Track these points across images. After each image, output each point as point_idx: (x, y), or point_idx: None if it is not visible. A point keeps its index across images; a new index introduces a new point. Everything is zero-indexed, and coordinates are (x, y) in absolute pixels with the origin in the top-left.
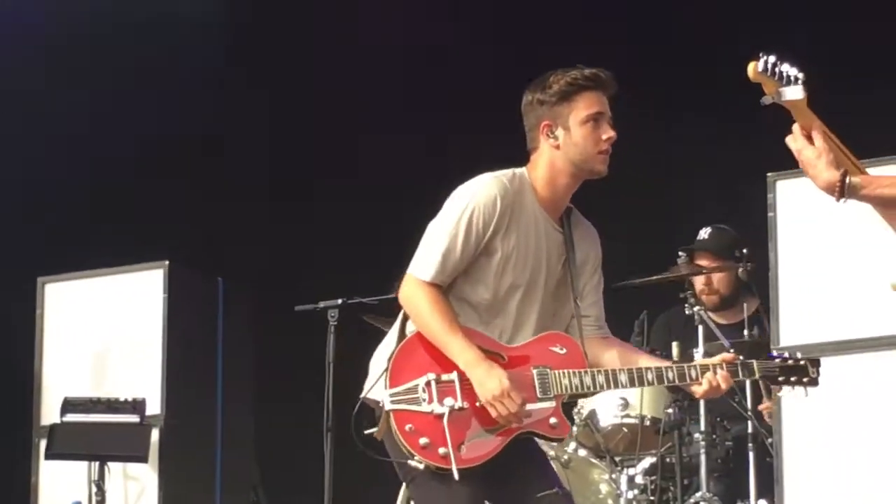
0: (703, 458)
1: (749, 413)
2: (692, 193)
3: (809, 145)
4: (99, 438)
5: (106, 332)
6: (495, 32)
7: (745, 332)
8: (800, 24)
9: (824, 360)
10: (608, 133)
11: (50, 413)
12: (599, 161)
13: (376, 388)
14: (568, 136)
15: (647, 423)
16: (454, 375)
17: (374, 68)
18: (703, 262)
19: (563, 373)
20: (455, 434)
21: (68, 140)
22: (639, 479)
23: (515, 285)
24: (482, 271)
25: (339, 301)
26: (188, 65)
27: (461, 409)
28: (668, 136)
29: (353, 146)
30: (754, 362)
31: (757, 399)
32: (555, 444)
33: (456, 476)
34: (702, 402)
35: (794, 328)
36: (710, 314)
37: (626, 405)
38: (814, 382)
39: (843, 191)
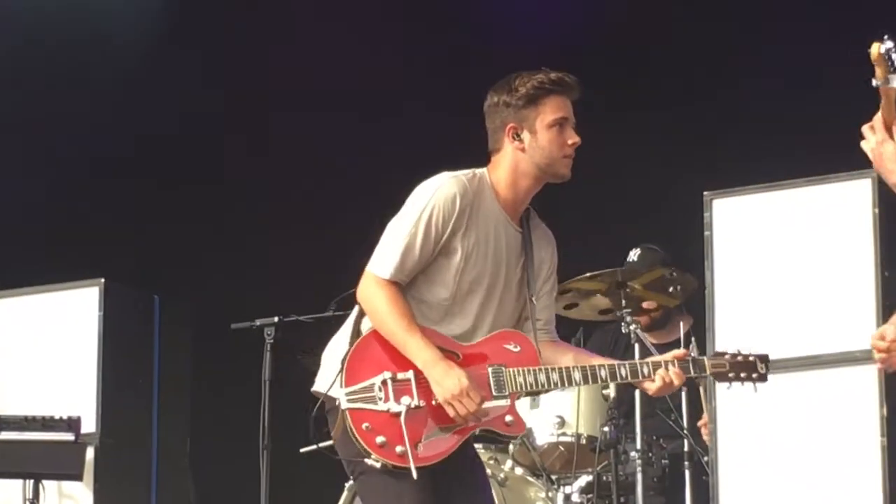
0: (639, 476)
1: (685, 431)
2: (626, 208)
3: (890, 140)
4: (33, 456)
5: (41, 350)
6: None
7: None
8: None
9: None
10: (573, 138)
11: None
12: (564, 165)
13: (329, 385)
14: (534, 140)
15: (584, 441)
16: (410, 374)
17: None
18: (633, 284)
19: (518, 370)
20: (412, 432)
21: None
22: (575, 498)
23: (475, 285)
24: (441, 271)
25: (276, 319)
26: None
27: (418, 407)
28: (606, 147)
29: (296, 172)
30: (705, 359)
31: (693, 417)
32: (492, 461)
33: (414, 475)
34: (637, 421)
35: (729, 347)
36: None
37: (562, 423)
38: (762, 378)
39: None
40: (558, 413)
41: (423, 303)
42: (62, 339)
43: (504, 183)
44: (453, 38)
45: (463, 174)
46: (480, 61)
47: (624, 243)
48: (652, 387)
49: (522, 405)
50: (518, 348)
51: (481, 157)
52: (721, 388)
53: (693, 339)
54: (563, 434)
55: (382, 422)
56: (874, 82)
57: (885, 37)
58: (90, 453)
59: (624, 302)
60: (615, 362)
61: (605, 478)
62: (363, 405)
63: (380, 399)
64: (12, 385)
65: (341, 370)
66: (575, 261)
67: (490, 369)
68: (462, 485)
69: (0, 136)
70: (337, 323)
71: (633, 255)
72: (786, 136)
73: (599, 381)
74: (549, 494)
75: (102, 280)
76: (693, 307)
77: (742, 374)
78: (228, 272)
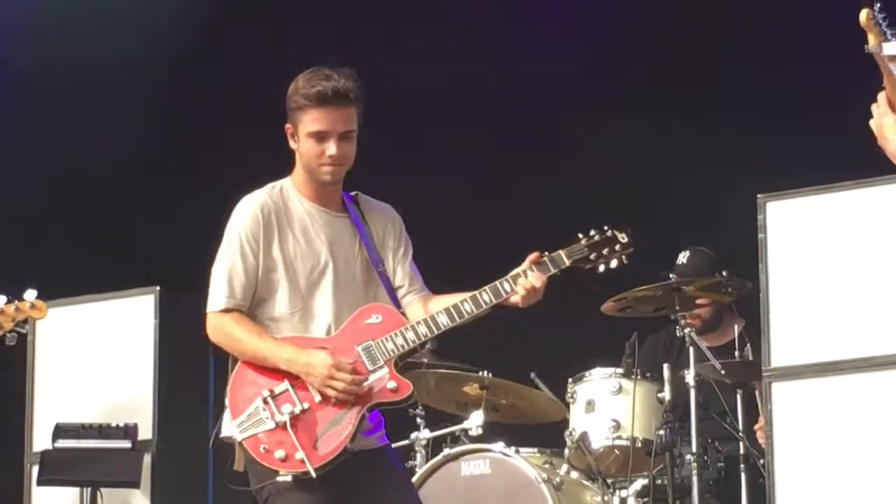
0: (694, 479)
1: (741, 434)
2: (676, 210)
3: (892, 112)
4: (91, 464)
5: (98, 358)
6: None
7: (736, 353)
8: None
9: (816, 382)
10: (331, 151)
11: (42, 439)
12: (323, 172)
13: (226, 426)
14: (300, 145)
15: (639, 444)
16: (286, 384)
17: None
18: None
19: (386, 338)
20: (305, 435)
21: (59, 165)
22: (631, 502)
23: (315, 281)
24: (277, 285)
25: None
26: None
27: (303, 410)
28: (654, 150)
29: None
30: (561, 251)
31: (749, 419)
32: (547, 465)
33: (313, 474)
34: (693, 424)
35: (785, 349)
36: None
37: (617, 427)
38: (628, 247)
39: None
40: (613, 417)
41: (279, 320)
42: (118, 347)
43: (301, 181)
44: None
45: (262, 189)
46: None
47: (677, 246)
48: (517, 298)
49: (577, 410)
50: (380, 318)
51: None
52: (777, 390)
53: (748, 341)
54: (619, 437)
55: (276, 438)
56: (866, 48)
57: (876, 3)
58: (147, 460)
59: (677, 305)
60: (476, 291)
61: (660, 481)
62: (254, 430)
63: (266, 418)
64: (70, 393)
65: (226, 406)
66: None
67: (359, 348)
68: (376, 485)
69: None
70: None
71: (683, 257)
72: (840, 137)
73: (466, 315)
74: (605, 498)
75: (158, 288)
76: (746, 310)
77: (605, 252)
78: None
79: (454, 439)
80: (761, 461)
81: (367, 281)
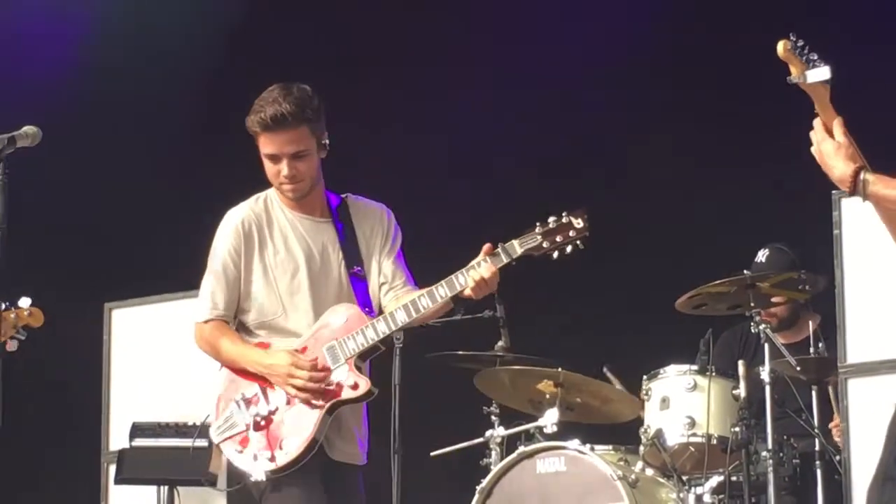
0: (770, 476)
1: (816, 430)
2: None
3: (829, 138)
4: (168, 463)
5: (173, 357)
6: None
7: (811, 349)
8: None
9: (892, 378)
10: (284, 171)
11: (118, 438)
12: (284, 190)
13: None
14: (264, 165)
15: (714, 441)
16: (256, 387)
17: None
18: (761, 285)
19: (348, 337)
20: (272, 436)
21: (131, 165)
22: (707, 499)
23: (295, 285)
24: (259, 292)
25: None
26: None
27: (271, 412)
28: (731, 149)
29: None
30: (514, 240)
31: (824, 416)
32: (622, 463)
33: (280, 465)
34: (768, 420)
35: (861, 345)
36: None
37: (692, 424)
38: (583, 231)
39: (855, 184)
40: (688, 414)
41: (263, 325)
42: (194, 346)
43: None
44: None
45: (247, 201)
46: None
47: (754, 243)
48: (470, 290)
49: (652, 407)
50: (345, 318)
51: None
52: (853, 387)
53: (822, 337)
54: (694, 434)
55: (247, 440)
56: (789, 80)
57: (792, 35)
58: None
59: (752, 303)
60: (434, 286)
61: (735, 478)
62: (228, 433)
63: (239, 421)
64: (145, 392)
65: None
66: (704, 260)
67: (323, 349)
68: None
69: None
70: (466, 326)
71: (762, 255)
72: None
73: (423, 309)
74: (681, 495)
75: None
76: (822, 306)
77: (558, 239)
78: None
79: (529, 437)
80: (837, 457)
81: (345, 279)
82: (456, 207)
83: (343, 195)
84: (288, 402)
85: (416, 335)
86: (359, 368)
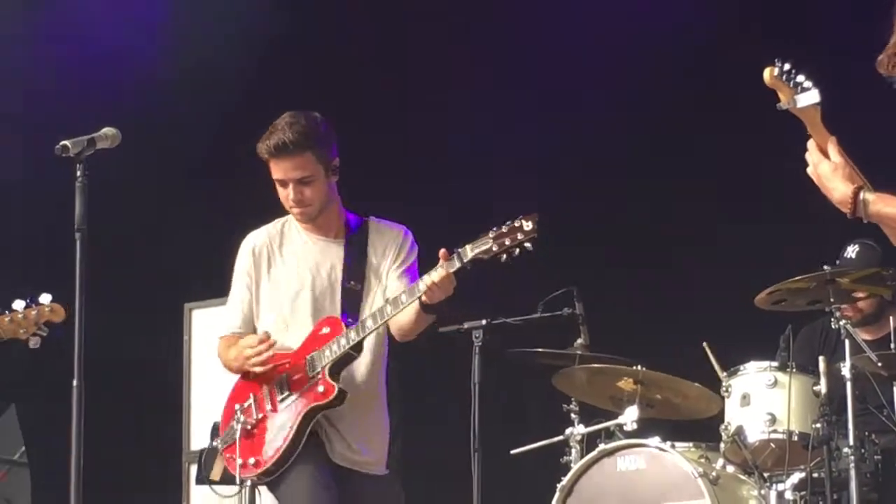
0: (852, 472)
1: None
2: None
3: (826, 159)
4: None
5: None
6: None
7: (892, 345)
8: None
9: None
10: (290, 196)
11: (199, 438)
12: (294, 213)
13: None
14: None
15: (795, 437)
16: (251, 398)
17: None
18: (841, 280)
19: (326, 346)
20: (257, 442)
21: (211, 167)
22: (788, 495)
23: (298, 299)
24: (268, 306)
25: (484, 322)
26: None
27: (258, 420)
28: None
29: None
30: (468, 246)
31: None
32: (703, 460)
33: (261, 470)
34: (849, 417)
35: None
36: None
37: (773, 420)
38: (531, 234)
39: (855, 205)
40: (769, 410)
41: (271, 336)
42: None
43: None
44: None
45: (266, 226)
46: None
47: (835, 239)
48: (426, 295)
49: (733, 404)
50: (328, 329)
51: None
52: None
53: None
54: (775, 431)
55: (240, 447)
56: (779, 106)
57: (777, 61)
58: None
59: (832, 298)
60: (399, 294)
61: (817, 474)
62: (228, 441)
63: (236, 430)
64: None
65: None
66: (784, 256)
67: (306, 359)
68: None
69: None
70: (545, 325)
71: (851, 251)
72: None
73: (388, 315)
74: (762, 492)
75: None
76: None
77: (507, 242)
78: None
79: (609, 435)
80: None
81: (349, 294)
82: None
83: (366, 217)
84: (271, 410)
85: (496, 335)
86: (335, 374)
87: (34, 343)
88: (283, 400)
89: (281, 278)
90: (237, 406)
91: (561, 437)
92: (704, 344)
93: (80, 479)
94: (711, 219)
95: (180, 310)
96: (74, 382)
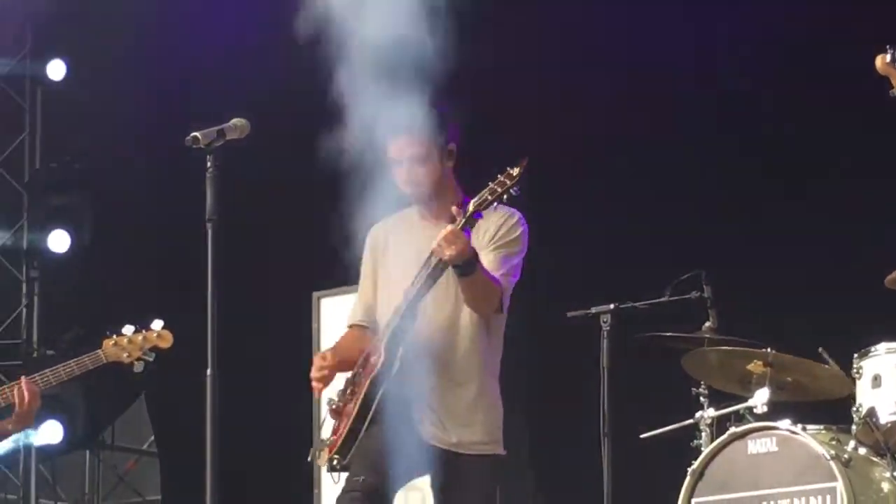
0: None
1: None
2: None
3: None
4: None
5: None
6: None
7: None
8: None
9: None
10: (401, 175)
11: (329, 426)
12: (409, 195)
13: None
14: None
15: None
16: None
17: None
18: None
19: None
20: (341, 425)
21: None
22: None
23: (398, 289)
24: (382, 291)
25: (612, 306)
26: None
27: (338, 406)
28: None
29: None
30: (469, 204)
31: None
32: (835, 442)
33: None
34: None
35: None
36: None
37: None
38: (515, 178)
39: None
40: None
41: (383, 319)
42: None
43: None
44: None
45: (394, 214)
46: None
47: None
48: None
49: (864, 386)
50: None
51: None
52: None
53: None
54: None
55: (332, 430)
56: (892, 93)
57: (889, 48)
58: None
59: None
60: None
61: None
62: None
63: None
64: None
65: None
66: None
67: (381, 343)
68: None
69: None
70: (673, 308)
71: None
72: None
73: (418, 284)
74: (895, 474)
75: None
76: None
77: (499, 189)
78: (562, 260)
79: (738, 418)
80: None
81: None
82: None
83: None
84: (348, 396)
85: (624, 318)
86: (390, 347)
87: (138, 367)
88: (357, 380)
89: (392, 268)
90: (336, 392)
91: (691, 421)
92: (820, 349)
93: (215, 469)
94: (841, 202)
95: (309, 299)
96: (208, 371)
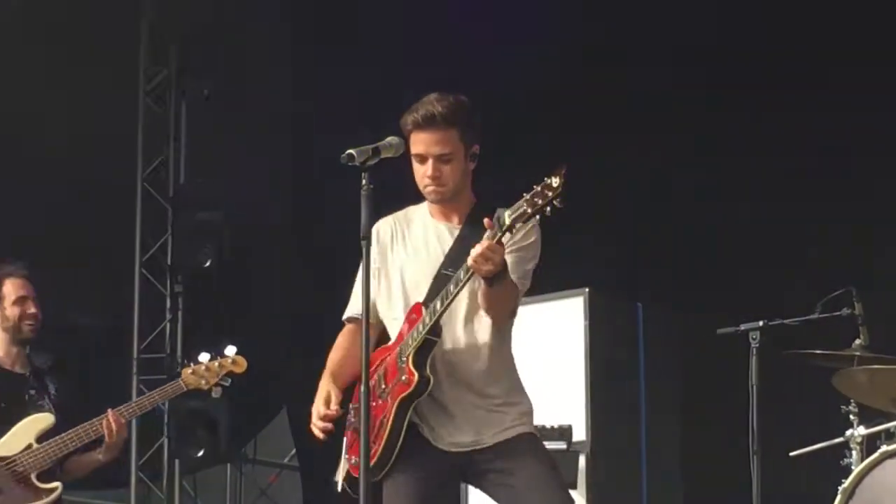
0: None
1: None
2: None
3: None
4: None
5: (530, 360)
6: None
7: None
8: None
9: None
10: (428, 171)
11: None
12: (426, 192)
13: None
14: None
15: None
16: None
17: None
18: None
19: (410, 334)
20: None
21: None
22: None
23: (414, 286)
24: (390, 291)
25: (761, 323)
26: None
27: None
28: None
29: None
30: (505, 213)
31: None
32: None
33: (339, 478)
34: None
35: None
36: None
37: None
38: (557, 190)
39: None
40: None
41: (394, 318)
42: (551, 349)
43: None
44: None
45: (396, 213)
46: None
47: None
48: (471, 266)
49: None
50: (415, 316)
51: None
52: None
53: None
54: None
55: (353, 446)
56: None
57: None
58: (581, 461)
59: None
60: (458, 272)
61: None
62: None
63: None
64: None
65: None
66: None
67: (397, 350)
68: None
69: None
70: (823, 325)
71: None
72: None
73: (451, 295)
74: None
75: (587, 290)
76: None
77: (539, 202)
78: (711, 276)
79: (889, 436)
80: None
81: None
82: None
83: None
84: (375, 405)
85: (774, 335)
86: (420, 362)
87: (216, 393)
88: (381, 395)
89: (401, 263)
90: (350, 406)
91: (841, 439)
92: None
93: (367, 484)
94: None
95: None
96: (361, 388)
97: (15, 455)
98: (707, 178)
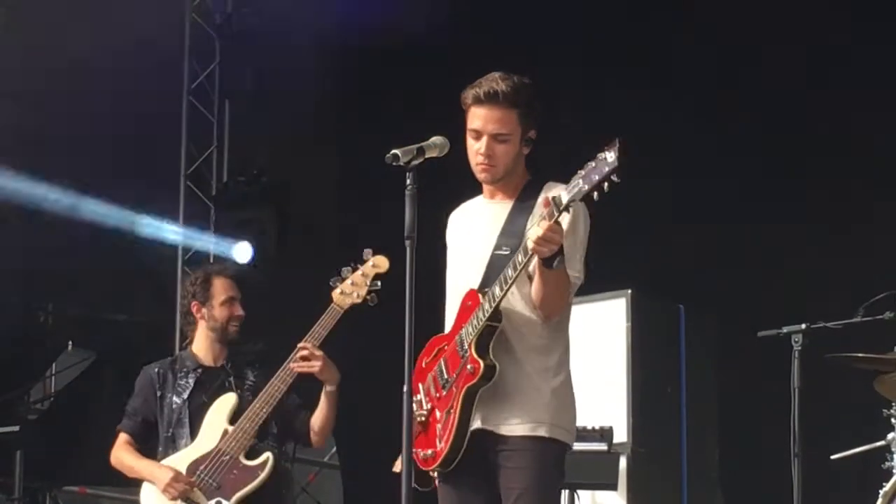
0: None
1: None
2: None
3: None
4: (568, 466)
5: (572, 361)
6: None
7: None
8: None
9: None
10: (482, 149)
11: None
12: (478, 171)
13: None
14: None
15: None
16: (420, 390)
17: None
18: None
19: (468, 321)
20: (430, 434)
21: None
22: None
23: (468, 269)
24: (451, 275)
25: (803, 326)
26: None
27: (428, 410)
28: None
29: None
30: (562, 192)
31: None
32: None
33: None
34: None
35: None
36: None
37: None
38: (612, 164)
39: None
40: None
41: (452, 304)
42: (592, 350)
43: None
44: None
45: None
46: None
47: None
48: (531, 251)
49: None
50: (470, 303)
51: None
52: None
53: None
54: None
55: (419, 440)
56: None
57: None
58: (622, 463)
59: None
60: (517, 255)
61: None
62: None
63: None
64: None
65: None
66: None
67: (456, 339)
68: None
69: None
70: (865, 329)
71: None
72: None
73: (510, 279)
74: None
75: (629, 291)
76: None
77: (595, 178)
78: (753, 279)
79: None
80: None
81: (485, 264)
82: None
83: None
84: (438, 397)
85: (815, 338)
86: (482, 349)
87: (372, 300)
88: (444, 385)
89: (460, 245)
90: (415, 399)
91: (882, 443)
92: None
93: (409, 483)
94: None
95: None
96: (405, 388)
97: (216, 446)
98: (750, 180)
